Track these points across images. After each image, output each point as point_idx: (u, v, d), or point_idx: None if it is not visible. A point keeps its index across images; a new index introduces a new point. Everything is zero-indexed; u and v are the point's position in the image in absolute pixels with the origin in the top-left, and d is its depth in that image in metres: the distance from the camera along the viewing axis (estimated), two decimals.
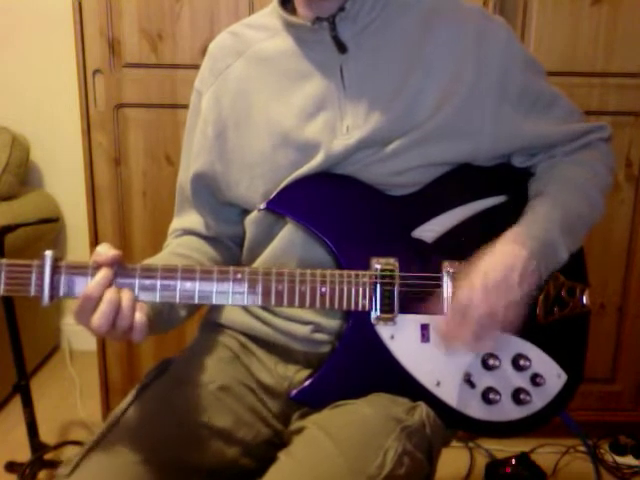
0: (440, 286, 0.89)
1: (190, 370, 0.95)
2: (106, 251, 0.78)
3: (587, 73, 1.65)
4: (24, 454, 1.64)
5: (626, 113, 1.67)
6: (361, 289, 0.86)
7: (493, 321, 0.81)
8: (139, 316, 0.77)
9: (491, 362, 0.89)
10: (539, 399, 0.92)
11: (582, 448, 1.79)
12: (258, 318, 0.96)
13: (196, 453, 0.87)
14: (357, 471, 0.76)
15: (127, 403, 0.89)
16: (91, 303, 0.75)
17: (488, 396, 0.89)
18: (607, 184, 1.00)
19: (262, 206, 0.90)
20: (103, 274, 0.76)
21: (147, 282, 0.79)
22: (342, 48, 0.91)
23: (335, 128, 0.91)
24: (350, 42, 0.91)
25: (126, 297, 0.77)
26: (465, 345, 0.84)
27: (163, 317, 0.89)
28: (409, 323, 0.88)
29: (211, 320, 1.03)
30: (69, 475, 0.79)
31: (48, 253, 0.76)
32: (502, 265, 0.83)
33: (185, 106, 1.07)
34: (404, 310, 0.87)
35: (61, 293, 0.77)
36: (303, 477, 0.76)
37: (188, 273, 0.80)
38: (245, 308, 0.98)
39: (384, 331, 0.87)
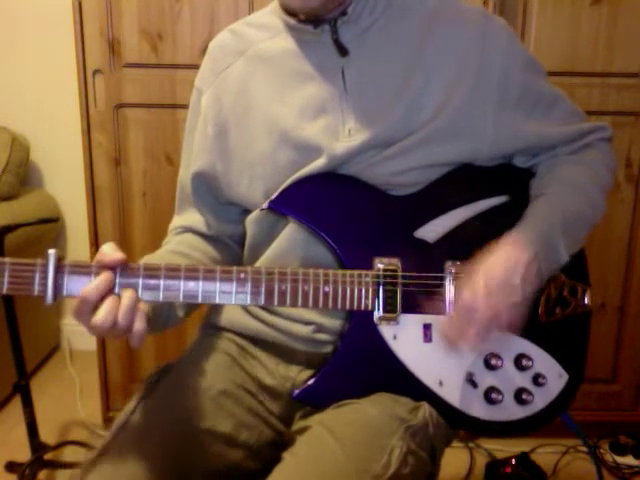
0: (443, 286, 0.89)
1: (189, 376, 0.94)
2: (111, 252, 0.77)
3: (587, 73, 1.65)
4: (24, 454, 1.64)
5: (626, 113, 1.68)
6: (364, 289, 0.86)
7: (496, 323, 0.82)
8: (138, 324, 0.76)
9: (493, 362, 0.89)
10: (541, 399, 0.92)
11: (582, 448, 1.80)
12: (259, 319, 0.96)
13: (200, 459, 0.86)
14: (362, 470, 0.76)
15: (129, 411, 0.89)
16: (88, 306, 0.75)
17: (490, 396, 0.89)
18: (608, 184, 1.00)
19: (265, 206, 0.90)
20: (103, 277, 0.76)
21: (151, 282, 0.79)
22: (343, 51, 0.91)
23: (337, 131, 0.91)
24: (351, 44, 0.91)
25: (127, 297, 0.76)
26: (468, 345, 0.84)
27: (162, 317, 0.89)
28: (412, 323, 0.88)
29: (211, 322, 1.03)
30: None
31: (52, 252, 0.75)
32: (505, 267, 0.83)
33: (185, 106, 1.07)
34: (407, 310, 0.87)
35: (64, 292, 0.76)
36: (308, 476, 0.76)
37: (191, 273, 0.80)
38: (246, 309, 0.97)
39: (387, 331, 0.87)
